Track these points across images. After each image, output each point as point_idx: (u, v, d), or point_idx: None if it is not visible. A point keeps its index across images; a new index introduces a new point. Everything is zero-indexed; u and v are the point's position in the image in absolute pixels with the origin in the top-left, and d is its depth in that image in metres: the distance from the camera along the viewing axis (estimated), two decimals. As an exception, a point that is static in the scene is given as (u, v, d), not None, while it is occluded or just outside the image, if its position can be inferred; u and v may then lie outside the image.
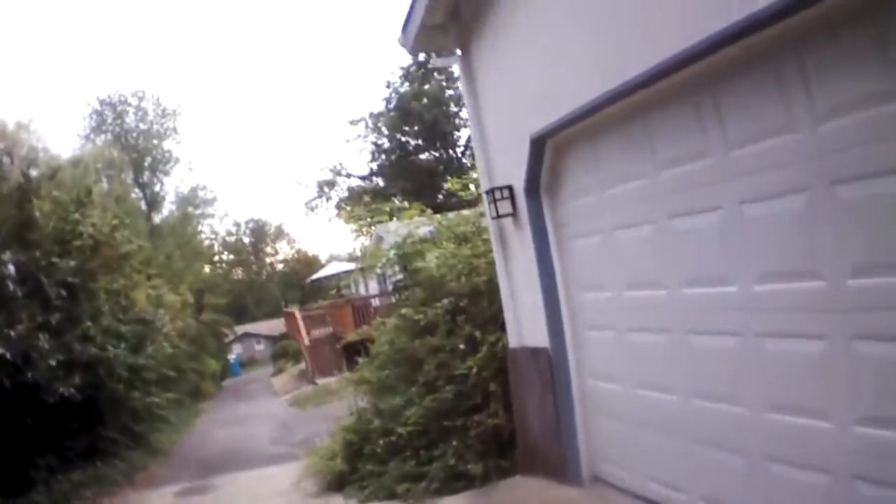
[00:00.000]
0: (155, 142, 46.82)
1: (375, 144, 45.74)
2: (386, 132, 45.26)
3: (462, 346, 7.54)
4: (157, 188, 47.28)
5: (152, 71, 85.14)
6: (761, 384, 3.98)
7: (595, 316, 5.71)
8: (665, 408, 4.90)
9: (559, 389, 6.05)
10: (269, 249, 79.03)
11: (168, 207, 47.76)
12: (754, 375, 4.03)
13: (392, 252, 9.55)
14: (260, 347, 62.84)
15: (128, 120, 46.13)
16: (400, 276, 9.68)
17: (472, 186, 10.55)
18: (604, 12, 4.77)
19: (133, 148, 45.12)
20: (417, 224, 9.76)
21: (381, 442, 7.96)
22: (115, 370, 14.21)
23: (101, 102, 45.27)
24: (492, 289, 7.56)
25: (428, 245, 9.65)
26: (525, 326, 6.51)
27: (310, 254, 75.38)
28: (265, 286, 72.66)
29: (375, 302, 26.55)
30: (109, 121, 45.29)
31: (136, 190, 44.42)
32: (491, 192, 6.35)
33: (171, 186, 50.59)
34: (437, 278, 8.79)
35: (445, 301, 8.05)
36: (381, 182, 44.78)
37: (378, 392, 8.87)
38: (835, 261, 3.41)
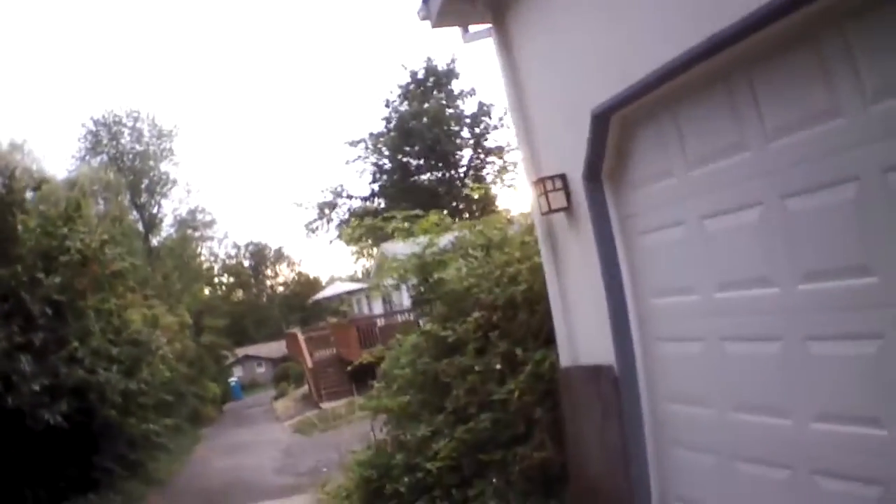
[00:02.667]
0: (151, 163, 46.28)
1: (376, 165, 45.19)
2: (387, 153, 44.69)
3: (498, 367, 6.51)
4: (154, 210, 46.69)
5: (148, 90, 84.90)
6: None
7: (675, 325, 4.69)
8: (776, 435, 3.90)
9: (627, 415, 5.01)
10: (269, 272, 78.17)
11: (166, 230, 47.11)
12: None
13: (411, 262, 8.53)
14: (261, 370, 61.91)
15: (123, 141, 45.61)
16: (420, 290, 8.62)
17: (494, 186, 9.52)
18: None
19: (129, 169, 44.61)
20: (437, 234, 8.75)
21: (404, 480, 6.95)
22: (106, 395, 13.27)
23: (96, 123, 44.78)
24: (532, 299, 6.56)
25: (451, 255, 8.64)
26: (581, 341, 5.49)
27: (311, 276, 74.68)
28: (266, 308, 71.64)
29: (380, 322, 25.71)
30: (105, 141, 44.75)
31: (134, 212, 43.64)
32: (541, 182, 5.34)
33: (170, 208, 49.79)
34: (462, 290, 7.79)
35: (476, 315, 7.03)
36: (382, 203, 43.95)
37: (399, 421, 7.85)
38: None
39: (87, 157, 43.01)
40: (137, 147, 45.91)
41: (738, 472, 4.24)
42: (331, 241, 56.79)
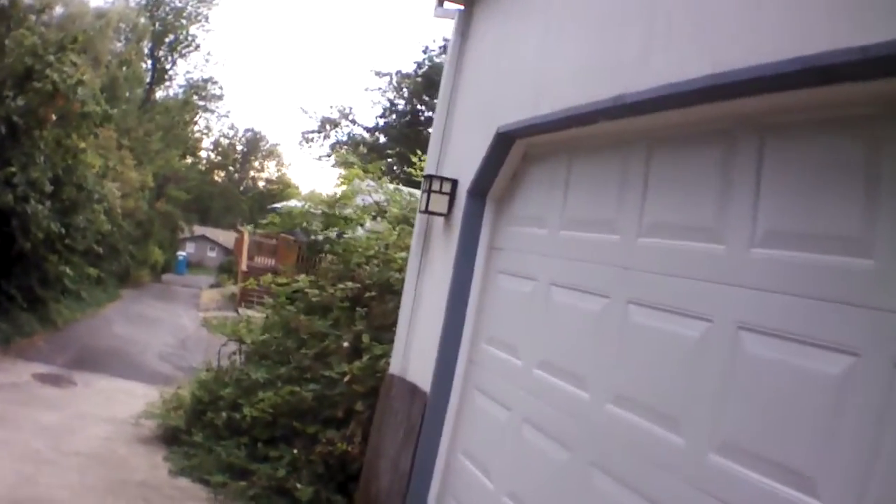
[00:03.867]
0: (184, 22, 45.24)
1: (391, 102, 44.52)
2: (406, 95, 44.01)
3: (346, 345, 6.22)
4: (168, 66, 45.71)
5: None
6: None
7: (493, 380, 4.36)
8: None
9: (423, 448, 4.73)
10: (256, 164, 77.15)
11: (174, 89, 46.22)
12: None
13: (321, 208, 8.16)
14: (212, 254, 61.47)
15: (165, -9, 44.28)
16: (317, 237, 8.27)
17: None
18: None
19: (161, 20, 43.54)
20: (365, 189, 8.35)
21: (223, 415, 6.67)
22: (30, 227, 12.94)
23: (144, -37, 43.33)
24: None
25: (362, 214, 8.27)
26: (415, 354, 5.18)
27: (293, 183, 73.81)
28: (238, 197, 70.80)
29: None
30: (149, -18, 43.42)
31: (149, 61, 42.83)
32: (429, 179, 4.98)
33: (183, 70, 48.87)
34: (351, 254, 7.49)
35: (350, 284, 6.71)
36: (382, 139, 43.43)
37: (249, 356, 7.57)
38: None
39: (127, -5, 41.92)
40: (177, 2, 44.83)
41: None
42: (320, 157, 56.22)
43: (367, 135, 44.16)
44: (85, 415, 8.86)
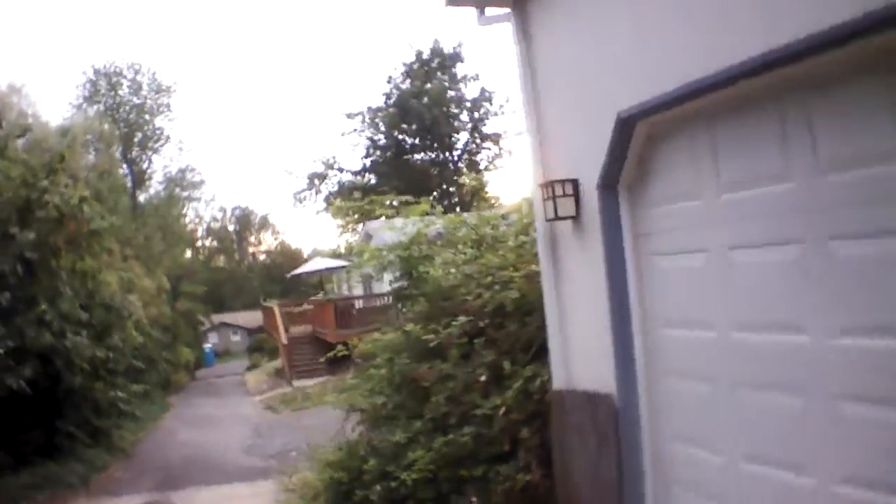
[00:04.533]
0: (147, 117, 45.08)
1: (371, 140, 44.78)
2: (383, 129, 44.17)
3: (483, 378, 6.07)
4: (144, 166, 45.59)
5: (149, 45, 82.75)
6: None
7: (685, 360, 4.26)
8: (794, 493, 3.51)
9: (626, 448, 4.59)
10: (252, 239, 77.27)
11: (155, 187, 46.10)
12: None
13: (396, 253, 8.02)
14: (236, 339, 61.24)
15: (121, 92, 44.15)
16: (402, 283, 8.11)
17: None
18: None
19: (125, 122, 43.45)
20: (427, 223, 8.22)
21: (376, 488, 6.49)
22: (74, 361, 12.71)
23: (97, 72, 43.40)
24: (524, 308, 6.13)
25: (439, 249, 8.14)
26: (578, 364, 5.05)
27: (293, 247, 73.97)
28: (245, 277, 70.84)
29: (358, 304, 25.25)
30: (103, 91, 43.36)
31: (124, 166, 42.70)
32: (549, 185, 4.85)
33: (160, 165, 48.81)
34: (447, 289, 7.34)
35: (462, 319, 6.57)
36: (373, 179, 43.51)
37: (373, 422, 7.39)
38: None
39: (85, 106, 41.77)
40: (135, 100, 44.59)
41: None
42: (317, 213, 56.33)
43: (356, 179, 44.15)
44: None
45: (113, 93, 44.05)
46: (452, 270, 7.66)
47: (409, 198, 8.70)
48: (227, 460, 14.61)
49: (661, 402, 4.47)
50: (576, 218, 4.84)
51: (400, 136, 43.85)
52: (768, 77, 3.37)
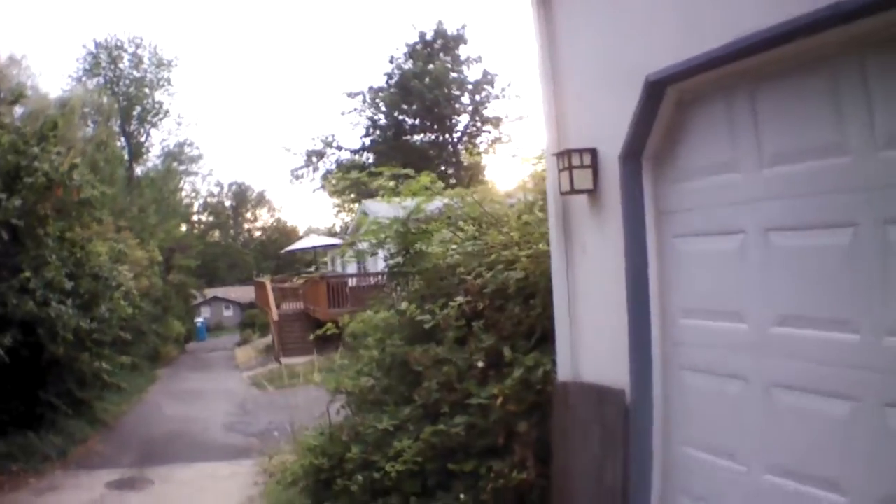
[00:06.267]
0: (147, 90, 44.89)
1: (371, 119, 44.42)
2: (384, 108, 43.72)
3: (481, 364, 5.60)
4: (143, 139, 45.31)
5: (151, 19, 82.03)
6: None
7: (710, 355, 3.79)
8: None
9: (633, 451, 4.13)
10: (248, 215, 76.73)
11: (153, 161, 45.85)
12: None
13: (392, 227, 7.51)
14: (228, 313, 60.91)
15: (122, 65, 44.04)
16: (398, 260, 7.61)
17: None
18: None
19: (124, 95, 43.20)
20: (427, 197, 7.71)
21: (358, 477, 6.01)
22: (57, 331, 12.27)
23: (97, 45, 43.27)
24: (528, 291, 5.63)
25: (438, 224, 7.64)
26: (587, 354, 4.58)
27: (289, 224, 73.50)
28: (240, 252, 70.35)
29: (351, 282, 24.83)
30: (104, 64, 43.21)
31: (122, 138, 42.39)
32: (566, 155, 4.36)
33: (158, 139, 48.54)
34: (445, 268, 6.85)
35: (460, 300, 6.09)
36: (371, 158, 43.06)
37: (359, 406, 6.92)
38: None
39: (84, 79, 41.55)
40: (135, 73, 44.45)
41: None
42: (314, 191, 55.88)
43: (355, 157, 43.70)
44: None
45: (113, 66, 43.92)
46: (453, 247, 7.16)
47: (409, 171, 8.17)
48: (210, 437, 14.23)
49: (677, 402, 4.01)
50: (593, 191, 4.36)
51: (400, 117, 43.44)
52: (820, 37, 2.94)
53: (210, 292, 57.17)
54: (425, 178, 7.86)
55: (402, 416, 6.13)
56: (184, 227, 50.42)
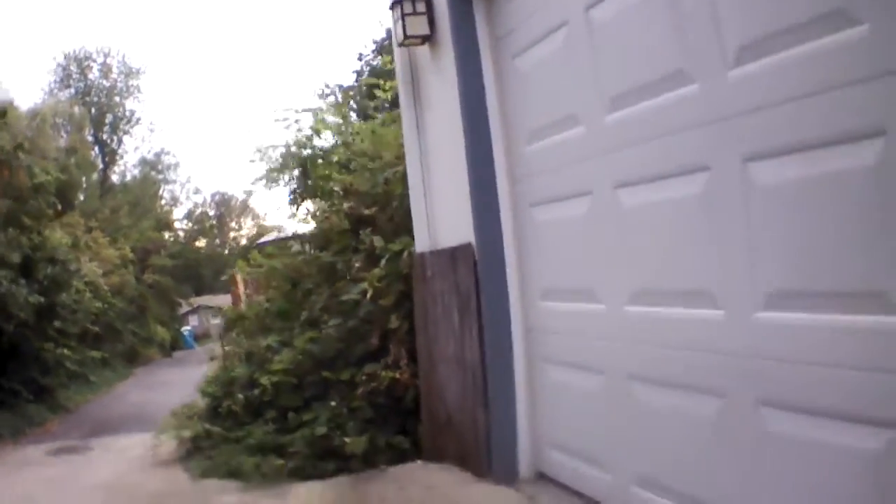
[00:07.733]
0: (117, 99, 45.03)
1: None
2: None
3: (358, 265, 5.12)
4: (115, 147, 45.25)
5: (121, 29, 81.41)
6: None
7: (565, 344, 3.32)
8: (696, 336, 2.50)
9: (489, 314, 3.62)
10: (233, 224, 76.31)
11: (130, 170, 46.04)
12: None
13: (292, 147, 7.07)
14: (216, 321, 60.15)
15: (91, 76, 44.03)
16: (300, 183, 7.20)
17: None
18: None
19: (95, 105, 43.30)
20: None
21: (240, 396, 5.54)
22: (8, 309, 11.94)
23: (67, 57, 42.94)
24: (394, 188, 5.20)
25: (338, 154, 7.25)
26: (441, 217, 4.08)
27: (271, 228, 72.96)
28: (226, 259, 70.06)
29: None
30: (74, 75, 43.20)
31: (95, 148, 42.42)
32: (398, 4, 3.92)
33: (132, 146, 48.45)
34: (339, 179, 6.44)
35: (347, 204, 5.61)
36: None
37: (255, 332, 6.47)
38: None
39: (56, 91, 41.44)
40: (105, 83, 44.43)
41: (634, 398, 2.82)
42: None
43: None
44: (101, 466, 7.84)
45: (83, 77, 43.87)
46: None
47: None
48: (162, 414, 13.93)
49: (531, 247, 3.51)
50: (430, 38, 3.91)
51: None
52: None
53: (197, 301, 56.72)
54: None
55: (288, 333, 5.69)
56: (167, 235, 50.28)
